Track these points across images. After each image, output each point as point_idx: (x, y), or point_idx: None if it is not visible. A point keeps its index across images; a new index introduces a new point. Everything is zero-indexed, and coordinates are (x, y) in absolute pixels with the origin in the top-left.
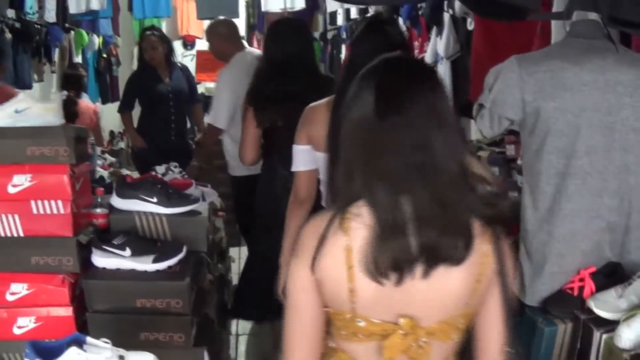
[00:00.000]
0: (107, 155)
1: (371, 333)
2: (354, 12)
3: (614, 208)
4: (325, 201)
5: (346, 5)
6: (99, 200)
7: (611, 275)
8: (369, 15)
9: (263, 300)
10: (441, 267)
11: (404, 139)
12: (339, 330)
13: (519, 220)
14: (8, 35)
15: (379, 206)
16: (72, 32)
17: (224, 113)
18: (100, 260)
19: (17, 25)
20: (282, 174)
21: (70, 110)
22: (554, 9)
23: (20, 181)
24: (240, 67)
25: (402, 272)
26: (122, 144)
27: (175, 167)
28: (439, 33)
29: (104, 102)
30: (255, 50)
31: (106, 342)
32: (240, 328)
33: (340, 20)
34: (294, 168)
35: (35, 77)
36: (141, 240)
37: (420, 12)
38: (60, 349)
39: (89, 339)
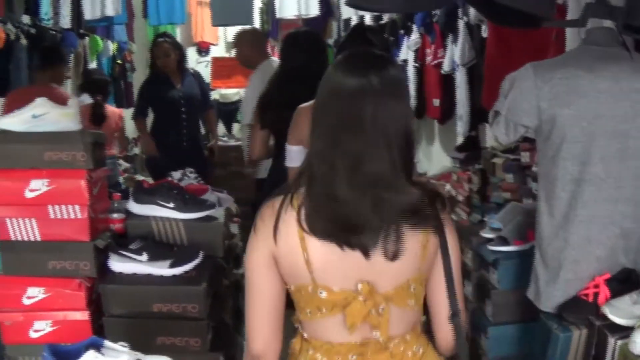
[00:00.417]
0: (121, 161)
1: (333, 304)
2: (368, 19)
3: (629, 214)
4: None
5: (360, 12)
6: (116, 205)
7: (626, 282)
8: (382, 22)
9: None
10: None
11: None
12: (304, 309)
13: (535, 226)
14: (23, 41)
15: (314, 179)
16: (87, 38)
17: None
18: (118, 265)
19: (32, 31)
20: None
21: (98, 112)
22: (569, 17)
23: (38, 186)
24: (270, 73)
25: (340, 240)
26: (136, 150)
27: (191, 172)
28: (454, 40)
29: (118, 106)
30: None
31: (124, 346)
32: None
33: None
34: (287, 164)
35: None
36: (158, 245)
37: (434, 19)
38: (78, 352)
39: (106, 343)
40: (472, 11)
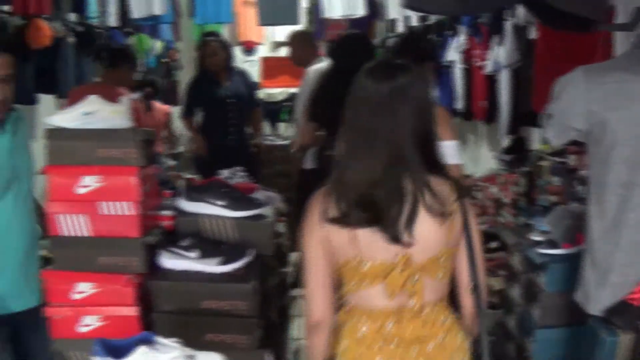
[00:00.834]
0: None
1: (375, 275)
2: (414, 20)
3: None
4: None
5: (406, 13)
6: (166, 202)
7: None
8: (428, 23)
9: None
10: (422, 217)
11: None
12: (350, 281)
13: (584, 230)
14: (70, 39)
15: (344, 166)
16: (134, 37)
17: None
18: (168, 261)
19: (80, 29)
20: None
21: (146, 103)
22: (617, 20)
23: (89, 182)
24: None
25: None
26: (181, 148)
27: (240, 171)
28: (500, 42)
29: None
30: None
31: (176, 342)
32: (301, 333)
33: (400, 27)
34: None
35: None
36: (208, 243)
37: (481, 20)
38: (129, 347)
39: (157, 339)
40: (519, 12)
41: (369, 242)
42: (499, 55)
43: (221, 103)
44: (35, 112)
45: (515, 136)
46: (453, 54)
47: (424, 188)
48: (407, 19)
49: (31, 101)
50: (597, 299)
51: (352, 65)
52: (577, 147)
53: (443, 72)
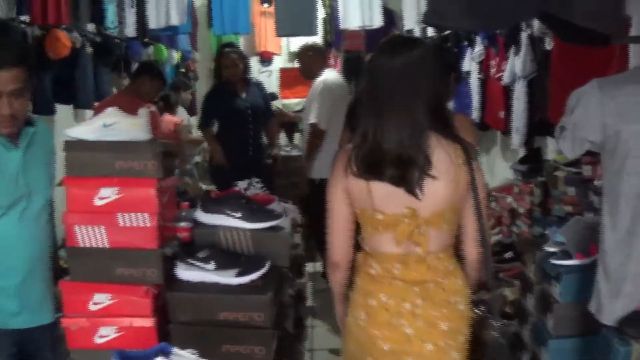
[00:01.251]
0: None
1: (387, 224)
2: (430, 31)
3: None
4: None
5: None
6: (184, 214)
7: None
8: (445, 34)
9: None
10: (427, 179)
11: (391, 83)
12: (366, 228)
13: (597, 240)
14: (89, 50)
15: (365, 129)
16: (152, 47)
17: (325, 115)
18: (185, 273)
19: (98, 39)
20: None
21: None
22: (633, 32)
23: (108, 194)
24: (334, 79)
25: (383, 175)
26: (198, 158)
27: (257, 182)
28: (517, 52)
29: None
30: (334, 71)
31: (192, 353)
32: (316, 344)
33: None
34: None
35: (115, 91)
36: (225, 254)
37: (498, 31)
38: (147, 358)
39: (175, 350)
40: (535, 24)
41: (383, 195)
42: (515, 66)
43: (239, 114)
44: (53, 122)
45: (531, 146)
46: (469, 64)
47: (435, 149)
48: (423, 29)
49: (50, 111)
50: (610, 309)
51: None
52: (592, 157)
53: (460, 83)
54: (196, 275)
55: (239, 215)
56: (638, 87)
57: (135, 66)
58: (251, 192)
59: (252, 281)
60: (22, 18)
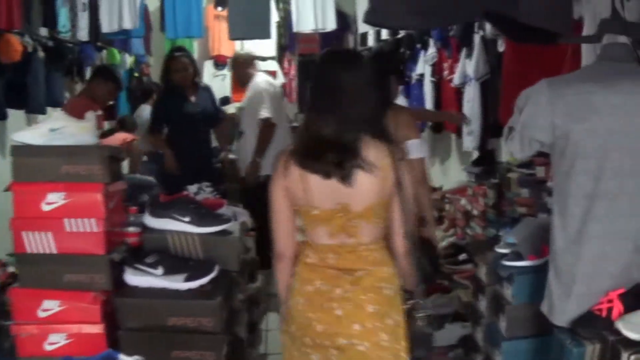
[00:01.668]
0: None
1: (322, 219)
2: (384, 34)
3: None
4: None
5: (377, 27)
6: (132, 219)
7: None
8: (399, 36)
9: None
10: (359, 173)
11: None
12: (305, 222)
13: (549, 241)
14: (41, 54)
15: (308, 121)
16: (105, 51)
17: (274, 110)
18: (133, 278)
19: (50, 43)
20: None
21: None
22: (585, 32)
23: (55, 199)
24: (270, 80)
25: (324, 173)
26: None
27: (207, 186)
28: (469, 54)
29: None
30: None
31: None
32: (271, 348)
33: (370, 41)
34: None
35: (68, 95)
36: (173, 259)
37: (451, 33)
38: None
39: (121, 356)
40: (488, 25)
41: (317, 193)
42: (468, 68)
43: (190, 118)
44: (5, 127)
45: (484, 149)
46: (423, 67)
47: (368, 148)
48: (378, 32)
49: (2, 116)
50: (562, 310)
51: None
52: (545, 158)
53: (414, 85)
54: (145, 280)
55: (187, 219)
56: (587, 87)
57: (88, 70)
58: (201, 197)
59: (202, 286)
60: None
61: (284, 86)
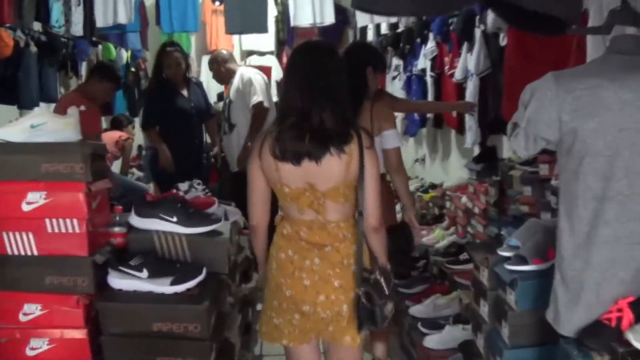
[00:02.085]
0: (134, 170)
1: (292, 197)
2: (384, 28)
3: None
4: None
5: (376, 20)
6: (118, 218)
7: None
8: (398, 31)
9: None
10: (326, 156)
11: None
12: (280, 198)
13: (555, 244)
14: (33, 49)
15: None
16: (100, 46)
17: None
18: (117, 281)
19: (43, 38)
20: None
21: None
22: (590, 24)
23: (35, 199)
24: (254, 69)
25: (291, 158)
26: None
27: (199, 184)
28: (470, 49)
29: (132, 115)
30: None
31: None
32: (265, 349)
33: (370, 35)
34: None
35: (62, 90)
36: (159, 262)
37: (451, 28)
38: None
39: None
40: (489, 20)
41: (287, 173)
42: (469, 62)
43: (183, 113)
44: None
45: (485, 145)
46: (424, 61)
47: (334, 135)
48: (377, 26)
49: None
50: (568, 318)
51: None
52: (549, 155)
53: (414, 80)
54: (129, 283)
55: (174, 219)
56: (596, 81)
57: (83, 66)
58: (192, 195)
59: (188, 290)
60: None
61: (282, 82)
